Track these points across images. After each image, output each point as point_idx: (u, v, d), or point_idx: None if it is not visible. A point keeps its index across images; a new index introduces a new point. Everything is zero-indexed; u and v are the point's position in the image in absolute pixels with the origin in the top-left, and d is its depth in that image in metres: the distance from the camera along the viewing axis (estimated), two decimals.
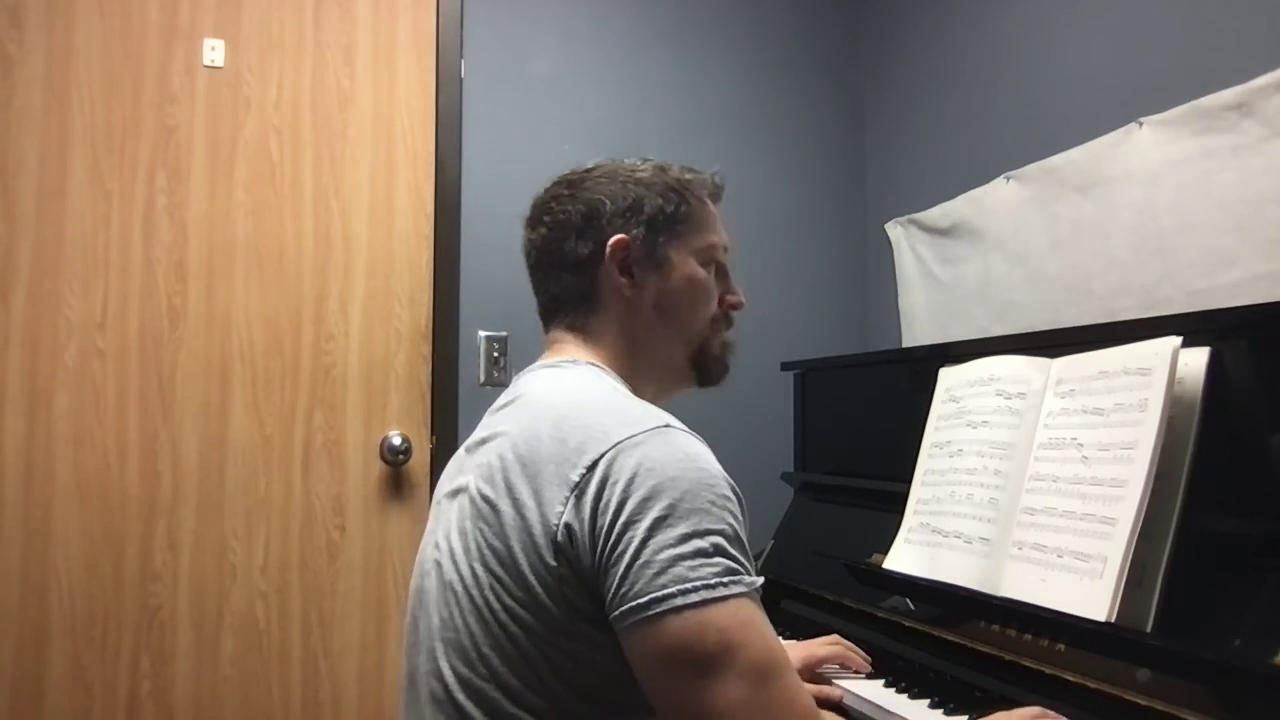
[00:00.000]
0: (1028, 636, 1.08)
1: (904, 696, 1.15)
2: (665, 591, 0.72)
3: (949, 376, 1.40)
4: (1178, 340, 1.01)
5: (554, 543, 0.78)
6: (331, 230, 1.99)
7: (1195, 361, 1.01)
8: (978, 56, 2.03)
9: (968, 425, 1.30)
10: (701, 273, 1.00)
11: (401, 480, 2.00)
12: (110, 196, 1.85)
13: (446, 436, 2.01)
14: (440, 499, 0.96)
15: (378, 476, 1.99)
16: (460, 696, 0.82)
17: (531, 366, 0.99)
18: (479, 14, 2.12)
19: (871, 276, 2.41)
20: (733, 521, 0.77)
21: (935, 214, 2.10)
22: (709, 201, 1.04)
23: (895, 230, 2.26)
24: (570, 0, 2.21)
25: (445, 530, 0.90)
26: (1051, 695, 1.02)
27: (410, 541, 1.99)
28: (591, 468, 0.78)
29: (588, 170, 1.03)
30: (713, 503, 0.76)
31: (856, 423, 1.75)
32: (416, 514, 2.00)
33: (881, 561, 1.36)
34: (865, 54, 2.45)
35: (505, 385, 2.07)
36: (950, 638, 1.18)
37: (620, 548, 0.74)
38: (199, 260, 1.90)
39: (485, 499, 0.84)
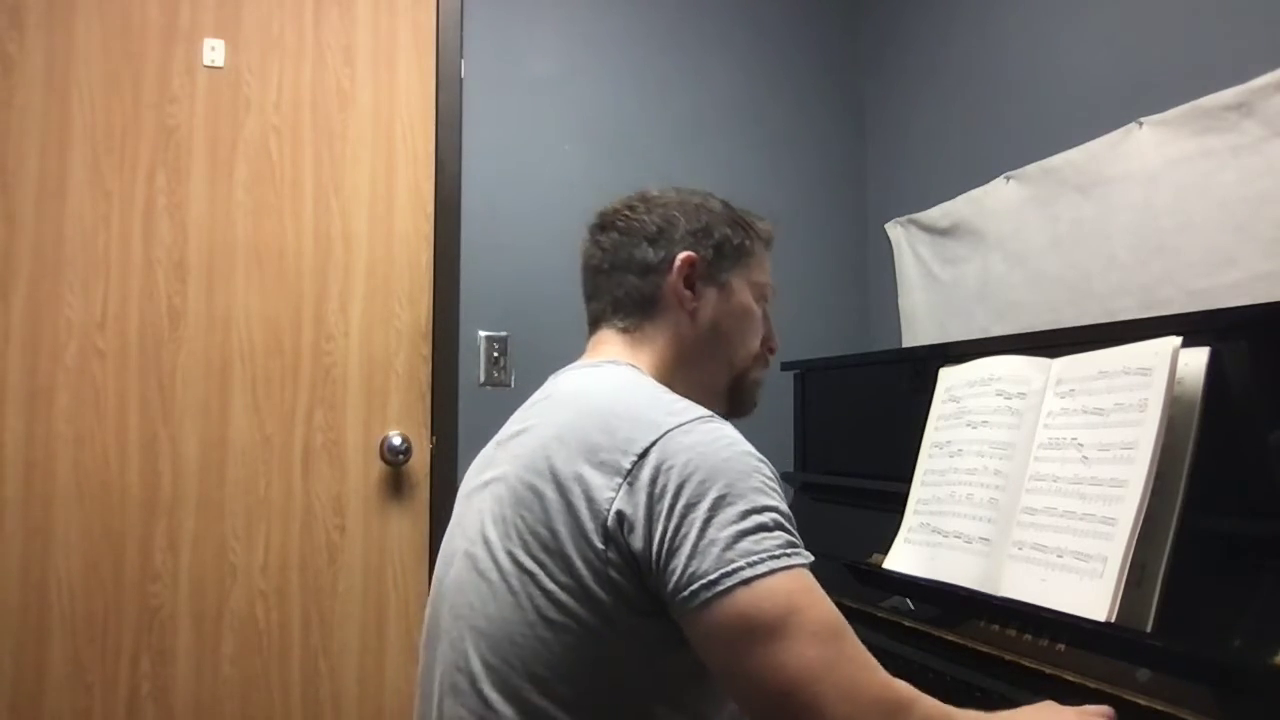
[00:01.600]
0: (1028, 636, 1.08)
1: None
2: (733, 565, 0.75)
3: (949, 376, 1.40)
4: (1178, 340, 1.01)
5: (604, 528, 0.79)
6: (331, 230, 1.99)
7: (1195, 361, 1.01)
8: (978, 56, 2.03)
9: (968, 425, 1.30)
10: (754, 305, 1.06)
11: (401, 480, 2.00)
12: (110, 196, 1.85)
13: (446, 436, 2.02)
14: (468, 492, 0.97)
15: (378, 476, 1.99)
16: (485, 687, 0.82)
17: (570, 365, 1.02)
18: (479, 14, 2.12)
19: (871, 276, 2.41)
20: (782, 501, 0.81)
21: (935, 214, 2.10)
22: (765, 247, 1.09)
23: (895, 230, 2.26)
24: (570, 0, 2.21)
25: (478, 521, 0.90)
26: (1051, 695, 1.01)
27: (410, 541, 1.99)
28: (643, 455, 0.80)
29: (660, 190, 1.07)
30: (765, 483, 0.80)
31: (856, 423, 1.75)
32: (416, 514, 2.00)
33: (881, 561, 1.36)
34: (865, 54, 2.45)
35: (505, 385, 2.10)
36: (950, 638, 1.18)
37: (684, 531, 0.76)
38: (199, 260, 1.90)
39: (529, 486, 0.85)
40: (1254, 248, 1.36)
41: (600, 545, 0.79)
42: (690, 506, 0.77)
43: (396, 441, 1.98)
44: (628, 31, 2.26)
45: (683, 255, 1.00)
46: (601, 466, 0.81)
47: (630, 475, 0.79)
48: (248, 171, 1.94)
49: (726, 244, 1.03)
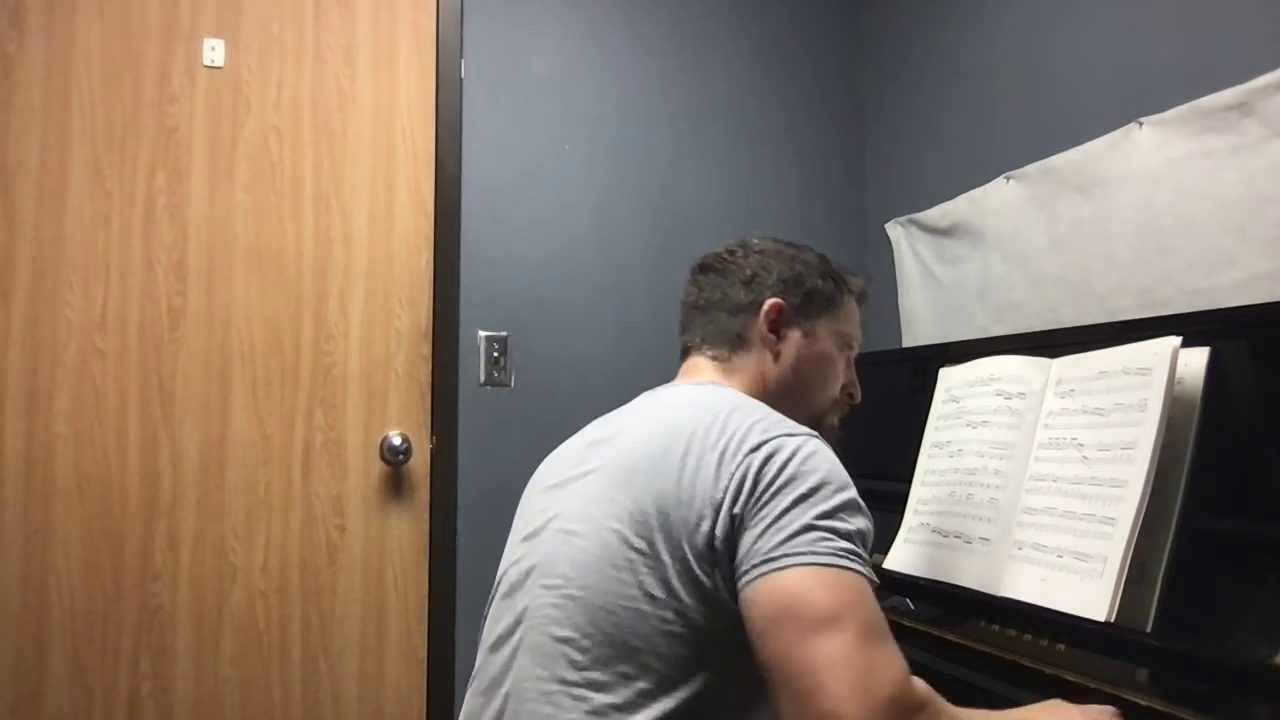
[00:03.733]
0: (1028, 636, 1.08)
1: None
2: (796, 549, 0.80)
3: (949, 376, 1.40)
4: (1178, 340, 1.01)
5: (715, 512, 0.85)
6: (331, 230, 1.99)
7: (1195, 361, 1.01)
8: (978, 56, 2.03)
9: (968, 425, 1.30)
10: (836, 353, 1.13)
11: (401, 480, 2.00)
12: (110, 196, 1.85)
13: (446, 436, 2.01)
14: (555, 484, 1.01)
15: (378, 476, 1.99)
16: (573, 651, 0.86)
17: (672, 383, 1.08)
18: (479, 14, 2.12)
19: (871, 276, 2.40)
20: (867, 526, 0.86)
21: (935, 214, 2.10)
22: (856, 301, 1.18)
23: (895, 230, 2.26)
24: (570, 0, 2.21)
25: (576, 503, 0.95)
26: (1051, 695, 1.02)
27: (410, 541, 1.99)
28: (756, 449, 0.86)
29: (761, 239, 1.15)
30: (857, 504, 0.86)
31: (857, 423, 1.75)
32: (416, 514, 2.00)
33: (881, 561, 1.36)
34: (865, 54, 2.45)
35: (505, 385, 2.11)
36: (950, 638, 1.18)
37: (768, 505, 0.83)
38: (199, 260, 1.90)
39: (643, 472, 0.90)
40: (1254, 248, 1.36)
41: (707, 529, 0.84)
42: (783, 488, 0.83)
43: (396, 441, 1.98)
44: (628, 31, 2.26)
45: (771, 301, 1.07)
46: (719, 456, 0.87)
47: (744, 463, 0.85)
48: (248, 171, 1.94)
49: (816, 294, 1.10)
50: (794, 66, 2.41)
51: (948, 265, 2.06)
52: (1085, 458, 1.07)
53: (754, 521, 0.83)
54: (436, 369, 2.04)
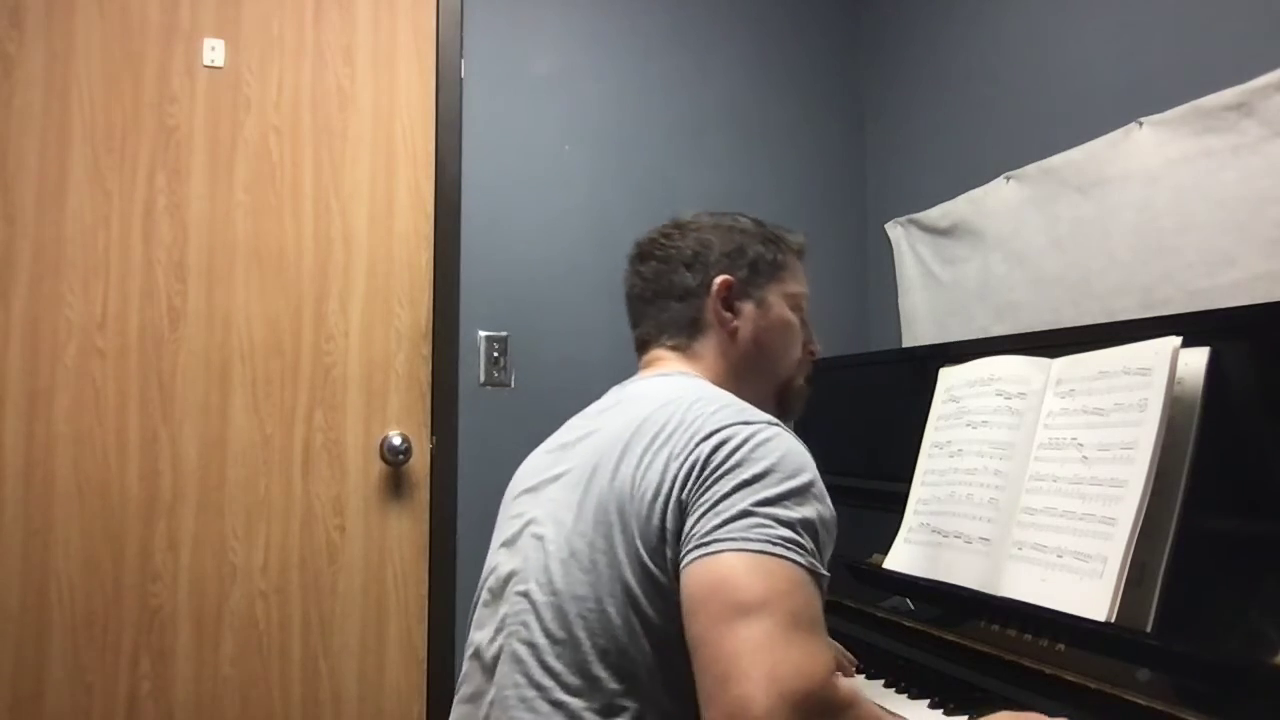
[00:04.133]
0: (1028, 636, 1.08)
1: (904, 696, 1.15)
2: (730, 534, 0.79)
3: (949, 376, 1.40)
4: (1178, 340, 1.01)
5: (665, 506, 0.84)
6: (331, 230, 1.99)
7: (1195, 361, 1.01)
8: (978, 56, 2.03)
9: (968, 425, 1.30)
10: (792, 316, 1.10)
11: (401, 480, 2.00)
12: (110, 196, 1.85)
13: (446, 436, 2.01)
14: (530, 487, 1.00)
15: (378, 476, 1.99)
16: (549, 657, 0.86)
17: (637, 377, 1.06)
18: (479, 14, 2.12)
19: (871, 276, 2.41)
20: (817, 514, 0.83)
21: (935, 214, 2.10)
22: (798, 257, 1.15)
23: (895, 230, 2.26)
24: (570, 0, 2.21)
25: (549, 508, 0.94)
26: (1051, 695, 1.02)
27: (410, 541, 1.99)
28: (708, 436, 0.85)
29: (693, 216, 1.13)
30: (806, 492, 0.83)
31: (856, 423, 1.75)
32: (416, 514, 2.00)
33: (881, 561, 1.36)
34: (865, 54, 2.45)
35: (505, 385, 2.10)
36: (950, 638, 1.18)
37: (710, 490, 0.82)
38: (199, 260, 1.90)
39: (604, 471, 0.90)
40: (1254, 248, 1.36)
41: (658, 521, 0.84)
42: (729, 471, 0.82)
43: (396, 441, 1.98)
44: (628, 31, 2.25)
45: (719, 280, 1.05)
46: (674, 448, 0.86)
47: (693, 452, 0.84)
48: (248, 171, 1.94)
49: (760, 261, 1.08)
50: (794, 67, 2.41)
51: (948, 265, 2.06)
52: (1085, 458, 1.07)
53: (695, 506, 0.82)
54: (436, 369, 2.04)
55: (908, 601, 1.31)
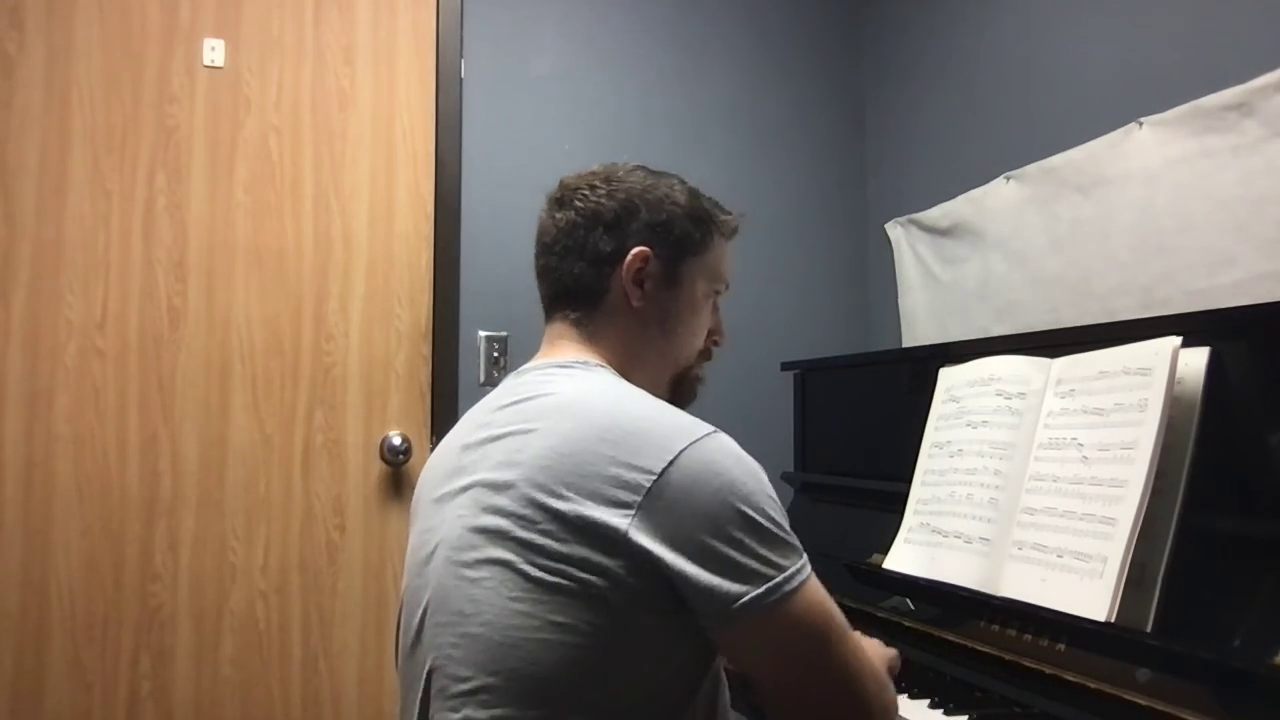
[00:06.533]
0: (1028, 636, 1.08)
1: (904, 696, 1.15)
2: (776, 580, 0.79)
3: (949, 376, 1.40)
4: (1178, 340, 1.01)
5: (616, 545, 0.78)
6: (331, 230, 1.99)
7: (1195, 361, 1.01)
8: (978, 56, 2.03)
9: (968, 425, 1.30)
10: (703, 301, 1.03)
11: (401, 480, 2.00)
12: (110, 196, 1.85)
13: None
14: (438, 498, 0.93)
15: (378, 476, 1.99)
16: (481, 693, 0.80)
17: (534, 365, 0.98)
18: (479, 14, 2.12)
19: (871, 276, 2.41)
20: (781, 507, 0.85)
21: (935, 214, 2.10)
22: (726, 240, 1.06)
23: (895, 230, 2.26)
24: (570, 0, 2.21)
25: (458, 528, 0.87)
26: (1051, 695, 1.02)
27: None
28: (661, 475, 0.79)
29: (627, 171, 1.02)
30: (771, 496, 0.84)
31: (857, 423, 1.75)
32: None
33: (881, 561, 1.36)
34: (865, 54, 2.45)
35: None
36: (950, 638, 1.18)
37: (719, 553, 0.79)
38: (199, 260, 1.90)
39: (527, 500, 0.82)
40: (1254, 248, 1.36)
41: (607, 560, 0.78)
42: (720, 529, 0.79)
43: (396, 441, 1.98)
44: (628, 31, 2.26)
45: (636, 250, 0.96)
46: (612, 482, 0.79)
47: (649, 495, 0.79)
48: (248, 171, 1.94)
49: (686, 240, 1.00)
50: (794, 66, 2.41)
51: (948, 265, 2.06)
52: (1085, 458, 1.07)
53: (712, 564, 0.78)
54: (436, 369, 2.04)
55: (908, 601, 1.31)
